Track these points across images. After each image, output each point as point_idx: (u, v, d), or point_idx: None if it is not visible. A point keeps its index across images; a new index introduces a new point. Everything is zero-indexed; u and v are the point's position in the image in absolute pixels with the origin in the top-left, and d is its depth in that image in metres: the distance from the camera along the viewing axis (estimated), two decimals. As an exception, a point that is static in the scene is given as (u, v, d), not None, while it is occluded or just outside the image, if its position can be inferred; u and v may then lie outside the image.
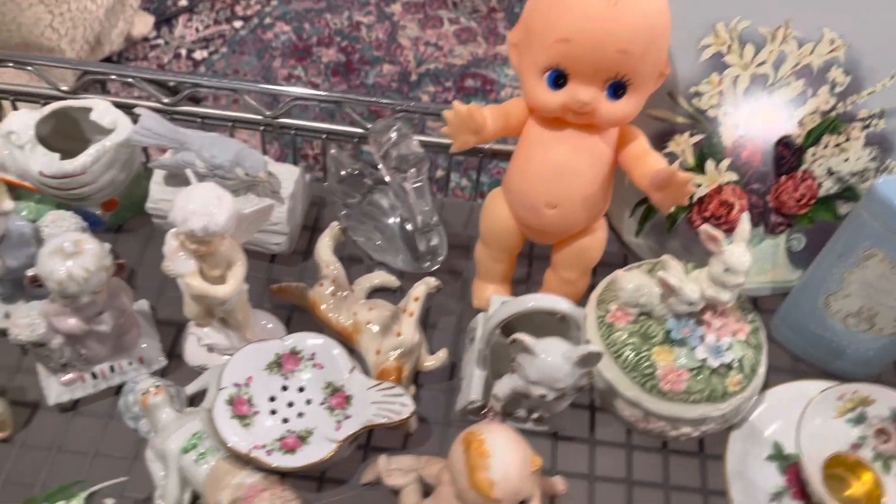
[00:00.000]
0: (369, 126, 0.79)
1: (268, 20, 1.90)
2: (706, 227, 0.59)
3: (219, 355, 0.69)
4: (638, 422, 0.65)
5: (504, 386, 0.63)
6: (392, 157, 0.65)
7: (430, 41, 1.93)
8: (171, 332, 0.72)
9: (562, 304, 0.59)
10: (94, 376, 0.66)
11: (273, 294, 0.71)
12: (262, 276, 0.77)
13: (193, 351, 0.70)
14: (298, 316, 0.75)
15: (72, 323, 0.61)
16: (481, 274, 0.74)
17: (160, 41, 1.83)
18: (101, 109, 0.73)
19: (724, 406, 0.62)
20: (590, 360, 0.58)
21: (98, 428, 0.66)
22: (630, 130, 0.65)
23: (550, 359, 0.58)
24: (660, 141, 0.70)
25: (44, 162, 0.71)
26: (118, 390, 0.68)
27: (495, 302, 0.66)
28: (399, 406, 0.62)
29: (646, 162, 0.63)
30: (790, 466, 0.65)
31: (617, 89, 0.61)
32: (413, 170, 0.66)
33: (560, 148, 0.63)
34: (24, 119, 0.71)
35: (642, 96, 0.62)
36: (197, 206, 0.55)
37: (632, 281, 0.63)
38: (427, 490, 0.62)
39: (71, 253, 0.57)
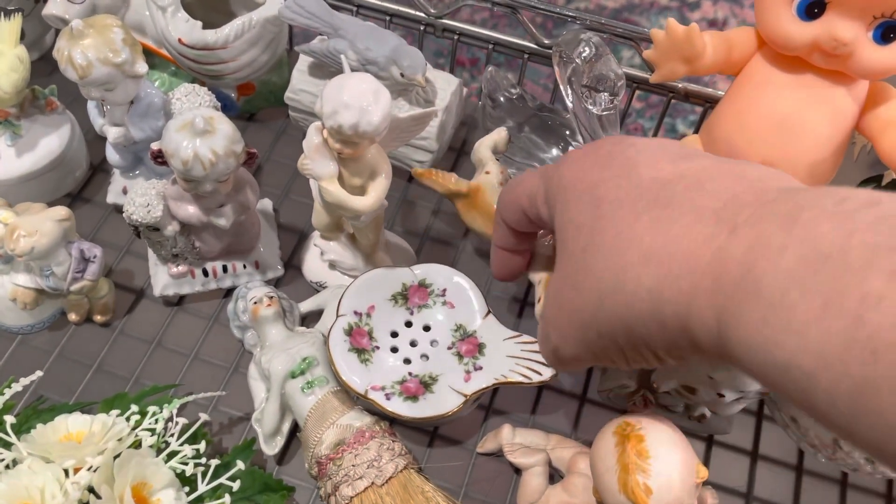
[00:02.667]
0: (547, 41, 0.67)
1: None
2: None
3: (340, 274, 0.61)
4: (824, 446, 0.53)
5: (664, 375, 0.52)
6: (583, 76, 0.54)
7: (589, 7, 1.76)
8: (292, 241, 0.65)
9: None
10: (206, 274, 0.60)
11: (418, 176, 0.60)
12: (397, 195, 0.68)
13: (314, 265, 0.62)
14: (431, 246, 0.66)
15: (191, 211, 0.55)
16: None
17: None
18: (253, -22, 0.65)
19: (943, 449, 0.50)
20: (792, 363, 0.46)
21: (200, 330, 0.60)
22: (885, 89, 0.52)
23: (740, 353, 0.47)
24: (912, 109, 0.55)
25: (184, 29, 0.63)
26: (227, 293, 0.62)
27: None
28: (539, 365, 0.53)
29: (902, 130, 0.50)
30: None
31: (888, 31, 0.47)
32: (606, 94, 0.54)
33: (793, 95, 0.51)
34: (171, -22, 0.63)
35: (918, 46, 0.48)
36: (350, 99, 0.46)
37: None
38: (553, 476, 0.53)
39: (202, 131, 0.49)
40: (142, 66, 0.55)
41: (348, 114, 0.46)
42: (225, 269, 0.60)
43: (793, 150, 0.51)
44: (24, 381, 0.49)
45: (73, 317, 0.59)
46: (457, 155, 0.71)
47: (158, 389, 0.53)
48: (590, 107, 0.55)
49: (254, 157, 0.53)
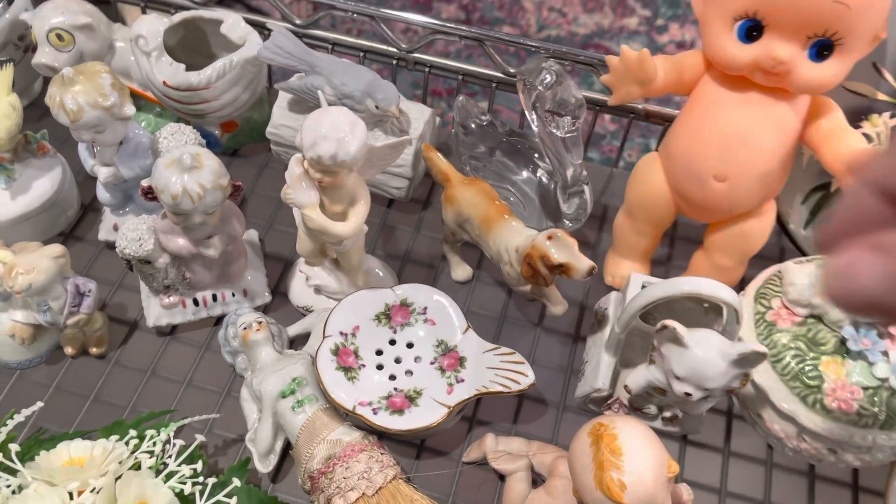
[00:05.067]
0: (512, 70, 0.71)
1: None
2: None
3: (326, 298, 0.64)
4: (788, 439, 0.56)
5: (639, 378, 0.55)
6: (546, 101, 0.58)
7: (554, 6, 1.82)
8: (278, 269, 0.68)
9: (724, 293, 0.51)
10: (196, 303, 0.62)
11: (426, 149, 0.65)
12: (377, 221, 0.71)
13: (299, 290, 0.65)
14: (411, 268, 0.69)
15: (181, 243, 0.57)
16: (619, 248, 0.66)
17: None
18: (231, 22, 0.68)
19: (899, 436, 0.53)
20: (751, 360, 0.49)
21: (193, 357, 0.63)
22: (825, 102, 0.56)
23: (703, 353, 0.50)
24: (852, 119, 0.59)
25: (168, 71, 0.67)
26: (218, 321, 0.64)
27: (635, 281, 0.58)
28: (518, 374, 0.56)
29: (842, 140, 0.54)
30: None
31: (822, 49, 0.51)
32: (568, 118, 0.58)
33: (740, 112, 0.54)
34: (154, 25, 0.67)
35: (850, 62, 0.52)
36: (328, 131, 0.50)
37: (807, 276, 0.54)
38: (535, 480, 0.56)
39: (189, 167, 0.52)
40: (130, 109, 0.58)
41: (327, 145, 0.50)
42: (215, 297, 0.63)
43: (742, 163, 0.55)
44: (26, 411, 0.51)
45: (69, 350, 0.61)
46: (431, 182, 0.74)
47: (155, 415, 0.56)
48: (553, 130, 0.59)
49: (239, 189, 0.56)
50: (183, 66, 0.67)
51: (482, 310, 0.66)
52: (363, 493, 0.51)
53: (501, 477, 0.58)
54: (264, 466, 0.56)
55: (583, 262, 0.54)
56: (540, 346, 0.65)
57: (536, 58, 0.62)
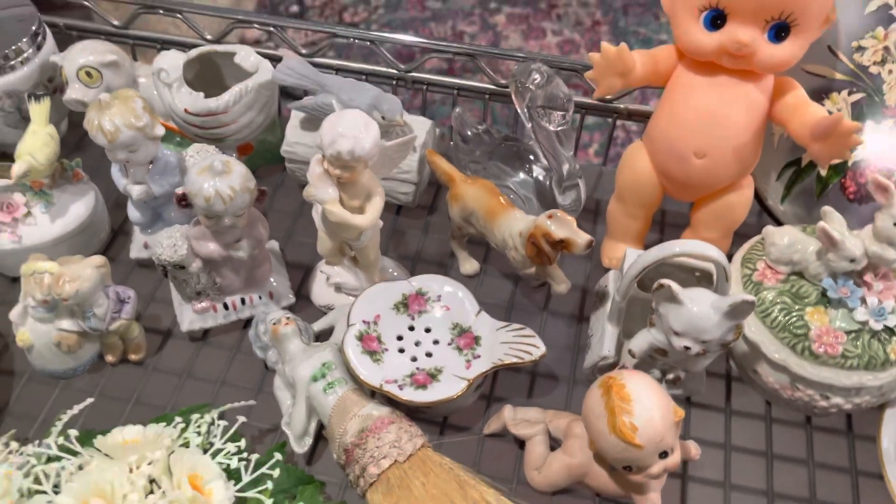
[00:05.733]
0: (503, 81, 0.78)
1: (374, 27, 1.93)
2: (876, 176, 0.55)
3: (346, 296, 0.69)
4: (784, 389, 0.61)
5: (641, 341, 0.60)
6: (538, 99, 0.64)
7: (532, 52, 1.92)
8: (299, 275, 0.73)
9: (711, 251, 0.56)
10: (226, 307, 0.67)
11: (429, 154, 0.71)
12: (388, 226, 0.76)
13: (321, 291, 0.70)
14: (423, 267, 0.74)
15: (211, 248, 0.62)
16: (613, 233, 0.71)
17: (270, 44, 1.88)
18: (244, 53, 0.75)
19: (883, 375, 0.58)
20: (741, 310, 0.54)
21: (225, 359, 0.67)
22: (786, 81, 0.62)
23: (697, 308, 0.55)
24: (815, 98, 0.65)
25: (189, 100, 0.73)
26: (246, 324, 0.69)
27: (630, 255, 0.63)
28: (529, 347, 0.60)
29: (805, 111, 0.60)
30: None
31: (779, 31, 0.58)
32: (559, 113, 0.64)
33: (712, 94, 0.60)
34: (174, 59, 0.73)
35: (805, 41, 0.58)
36: (346, 129, 0.55)
37: (785, 236, 0.59)
38: (553, 445, 0.60)
39: (220, 172, 0.58)
40: (159, 129, 0.63)
41: (345, 141, 0.55)
42: (243, 301, 0.67)
43: (718, 139, 0.61)
44: (78, 406, 0.56)
45: (109, 358, 0.66)
46: (436, 188, 0.80)
47: (195, 409, 0.60)
48: (546, 125, 0.65)
49: (264, 194, 0.61)
50: (202, 94, 0.73)
51: (491, 299, 0.71)
52: (395, 461, 0.55)
53: (521, 446, 0.62)
54: (300, 447, 0.60)
55: (581, 236, 0.60)
56: (547, 328, 0.69)
57: (526, 61, 0.68)
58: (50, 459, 0.50)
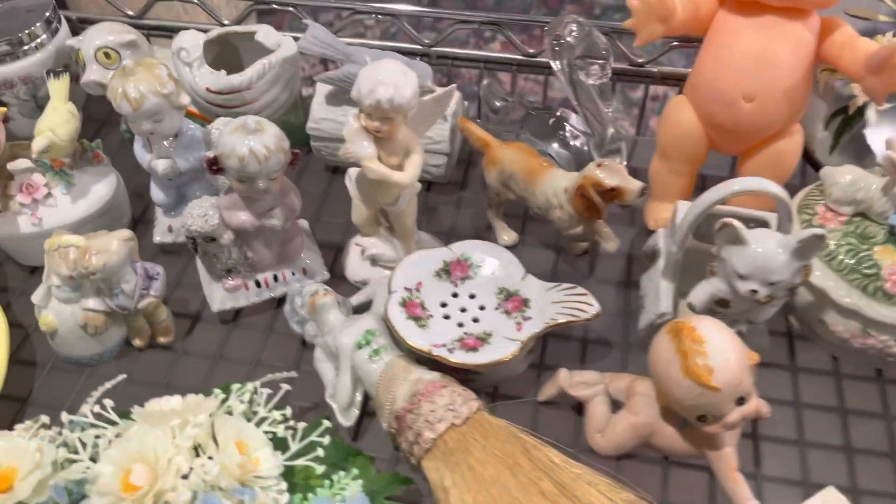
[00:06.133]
0: (531, 51, 0.76)
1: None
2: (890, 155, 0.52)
3: (382, 270, 0.66)
4: (854, 338, 0.57)
5: (701, 293, 0.57)
6: (576, 51, 0.61)
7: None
8: (330, 255, 0.70)
9: (772, 187, 0.53)
10: (258, 285, 0.64)
11: (461, 122, 0.68)
12: (419, 203, 0.73)
13: (355, 266, 0.67)
14: (458, 241, 0.71)
15: (243, 217, 0.60)
16: (657, 193, 0.68)
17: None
18: (265, 31, 0.73)
19: (960, 314, 0.55)
20: (811, 246, 0.51)
21: (259, 339, 0.64)
22: (833, 20, 0.60)
23: (763, 248, 0.52)
24: (859, 42, 0.64)
25: (211, 79, 0.71)
26: (279, 304, 0.66)
27: (682, 207, 0.60)
28: (583, 305, 0.57)
29: (855, 46, 0.58)
30: None
31: (827, -36, 0.56)
32: (597, 65, 0.62)
33: (759, 34, 0.58)
34: (193, 38, 0.71)
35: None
36: (385, 77, 0.53)
37: (847, 174, 0.57)
38: (614, 408, 0.56)
39: (253, 130, 0.55)
40: (185, 98, 0.61)
41: (384, 89, 0.53)
42: (276, 278, 0.64)
43: (767, 81, 0.58)
44: (109, 384, 0.52)
45: (138, 342, 0.62)
46: (465, 166, 0.77)
47: (233, 385, 0.56)
48: (584, 78, 0.63)
49: (297, 157, 0.59)
50: (224, 71, 0.70)
51: (532, 269, 0.67)
52: (451, 424, 0.52)
53: (578, 412, 0.58)
54: (347, 419, 0.56)
55: (633, 183, 0.57)
56: (595, 296, 0.66)
57: (561, 15, 0.66)
58: (84, 430, 0.47)
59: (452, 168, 0.75)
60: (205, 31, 0.78)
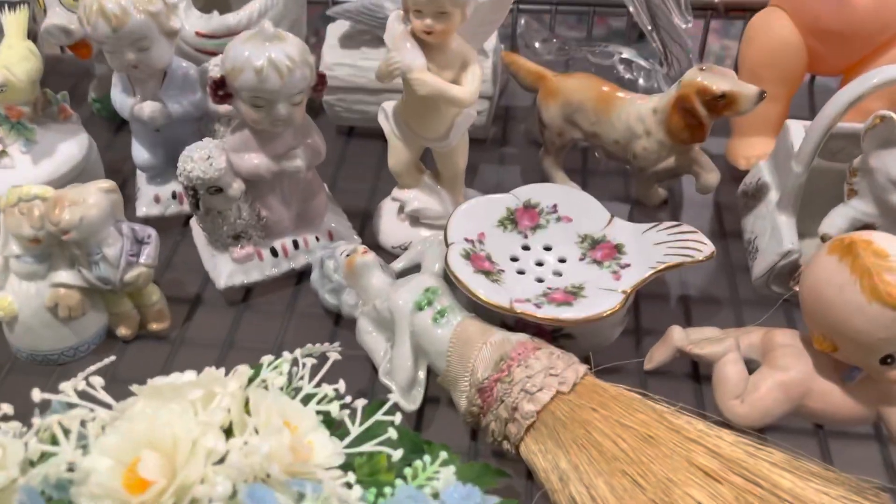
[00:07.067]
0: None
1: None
2: None
3: (424, 232, 0.54)
4: None
5: (840, 219, 0.46)
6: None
7: None
8: (356, 222, 0.57)
9: (932, 75, 0.43)
10: (274, 253, 0.51)
11: (506, 56, 0.58)
12: (456, 161, 0.62)
13: (392, 227, 0.54)
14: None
15: (256, 162, 0.47)
16: (744, 128, 0.58)
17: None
18: (264, -32, 0.61)
19: None
20: None
21: (277, 322, 0.51)
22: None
23: (928, 146, 0.41)
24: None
25: (200, 22, 0.59)
26: (300, 280, 0.53)
27: (794, 127, 0.50)
28: (695, 243, 0.46)
29: None
30: None
31: None
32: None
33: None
34: (178, -24, 0.59)
35: None
36: (438, -42, 0.42)
37: None
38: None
39: (272, 36, 0.43)
40: (176, 22, 0.49)
41: (440, -27, 0.42)
42: (296, 245, 0.52)
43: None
44: (94, 367, 0.38)
45: (122, 331, 0.49)
46: (503, 122, 0.66)
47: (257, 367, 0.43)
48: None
49: (323, 80, 0.47)
50: (216, 11, 0.59)
51: (614, 208, 0.57)
52: (557, 392, 0.39)
53: (696, 378, 0.46)
54: (410, 402, 0.43)
55: (749, 87, 0.46)
56: (683, 250, 0.55)
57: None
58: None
59: (492, 117, 0.63)
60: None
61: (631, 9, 0.55)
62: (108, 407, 0.33)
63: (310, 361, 0.38)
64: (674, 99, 0.48)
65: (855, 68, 0.54)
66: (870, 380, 0.40)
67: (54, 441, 0.31)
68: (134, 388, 0.34)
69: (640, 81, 0.59)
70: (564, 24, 0.68)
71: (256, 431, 0.32)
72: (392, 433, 0.35)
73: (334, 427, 0.36)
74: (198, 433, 0.30)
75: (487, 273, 0.45)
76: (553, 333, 0.45)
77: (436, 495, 0.34)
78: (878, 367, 0.39)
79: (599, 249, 0.48)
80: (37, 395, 0.32)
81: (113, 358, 0.39)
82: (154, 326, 0.49)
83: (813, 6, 0.52)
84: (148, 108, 0.51)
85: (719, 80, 0.46)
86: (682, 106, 0.47)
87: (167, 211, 0.56)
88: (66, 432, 0.31)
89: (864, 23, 0.51)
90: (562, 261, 0.48)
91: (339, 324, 0.50)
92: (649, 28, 0.55)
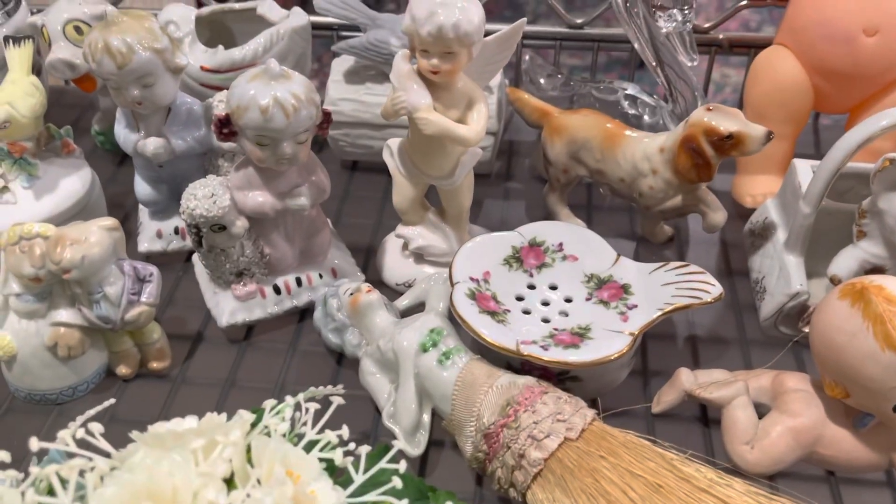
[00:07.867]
0: (578, 21, 0.66)
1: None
2: None
3: (428, 269, 0.53)
4: None
5: (849, 260, 0.45)
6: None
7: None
8: (360, 259, 0.57)
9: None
10: (277, 291, 0.51)
11: (511, 92, 0.58)
12: (459, 197, 0.62)
13: (396, 264, 0.54)
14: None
15: (260, 200, 0.47)
16: (749, 165, 0.58)
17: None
18: (268, 3, 0.62)
19: None
20: None
21: (279, 361, 0.50)
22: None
23: (938, 191, 0.41)
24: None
25: (205, 56, 0.59)
26: (302, 317, 0.52)
27: (801, 167, 0.49)
28: (703, 284, 0.45)
29: None
30: None
31: None
32: (676, 9, 0.52)
33: (876, -45, 0.49)
34: (183, 12, 0.60)
35: None
36: (445, -1, 0.42)
37: None
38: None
39: (278, 74, 0.43)
40: (182, 59, 0.49)
41: (446, 12, 0.42)
42: (299, 282, 0.51)
43: (892, 7, 0.49)
44: (93, 410, 0.37)
45: (122, 370, 0.48)
46: (507, 157, 0.66)
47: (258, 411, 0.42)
48: (664, 24, 0.52)
49: (329, 118, 0.46)
50: (221, 46, 0.59)
51: (622, 248, 0.56)
52: (565, 438, 0.38)
53: (703, 421, 0.45)
54: (414, 446, 0.42)
55: (756, 128, 0.46)
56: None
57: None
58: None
59: (496, 152, 0.63)
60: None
61: (636, 46, 0.55)
62: (107, 455, 0.32)
63: (313, 406, 0.37)
64: (681, 138, 0.48)
65: (861, 107, 0.54)
66: (882, 426, 0.40)
67: (51, 491, 0.30)
68: (134, 434, 0.33)
69: (646, 118, 0.59)
70: (566, 50, 0.67)
71: (259, 482, 0.31)
72: (397, 482, 0.35)
73: (336, 474, 0.36)
74: (199, 485, 0.29)
75: (493, 313, 0.45)
76: (559, 375, 0.44)
77: (442, 547, 0.33)
78: (892, 414, 0.38)
79: (606, 289, 0.47)
80: (34, 443, 0.31)
81: (112, 401, 0.38)
82: (154, 365, 0.49)
83: (819, 46, 0.52)
84: (152, 145, 0.50)
85: (727, 121, 0.46)
86: (689, 146, 0.47)
87: (169, 246, 0.55)
88: (64, 482, 0.30)
89: (871, 63, 0.51)
90: (568, 300, 0.48)
91: (342, 363, 0.50)
92: (654, 65, 0.55)
